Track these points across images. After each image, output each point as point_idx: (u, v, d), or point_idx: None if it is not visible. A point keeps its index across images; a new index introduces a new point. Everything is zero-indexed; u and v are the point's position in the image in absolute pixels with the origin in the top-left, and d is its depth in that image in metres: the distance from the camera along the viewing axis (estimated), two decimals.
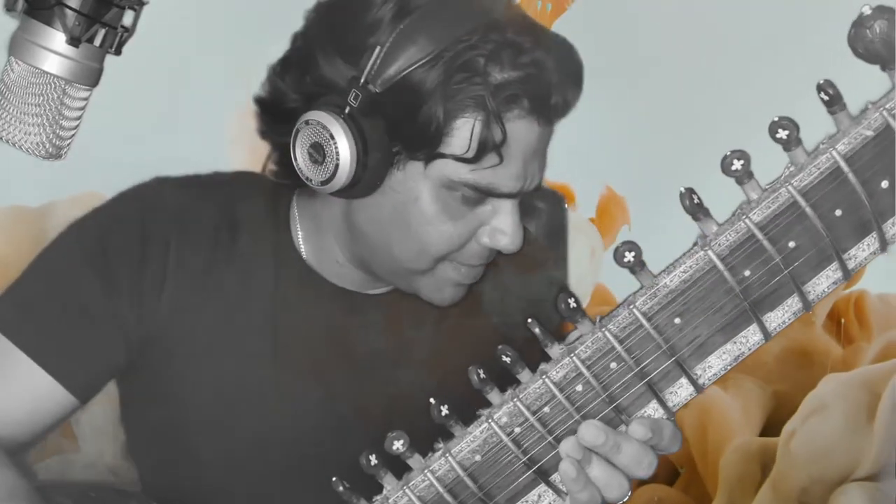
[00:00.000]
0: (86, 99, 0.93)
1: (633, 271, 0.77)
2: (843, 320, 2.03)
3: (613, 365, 0.78)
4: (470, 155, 0.96)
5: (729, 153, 0.75)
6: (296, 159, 0.98)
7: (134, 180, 1.11)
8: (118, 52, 0.93)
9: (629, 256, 0.77)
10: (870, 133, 0.74)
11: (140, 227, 1.04)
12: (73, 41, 0.88)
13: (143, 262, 1.03)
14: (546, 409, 0.79)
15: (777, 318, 0.78)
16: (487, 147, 0.96)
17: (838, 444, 1.80)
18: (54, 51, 0.89)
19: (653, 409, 0.80)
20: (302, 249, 1.08)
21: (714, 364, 0.79)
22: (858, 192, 0.75)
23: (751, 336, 0.78)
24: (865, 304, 2.03)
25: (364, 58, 0.95)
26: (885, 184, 0.76)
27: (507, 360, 0.78)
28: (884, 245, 0.77)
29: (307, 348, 1.06)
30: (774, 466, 1.84)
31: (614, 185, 1.97)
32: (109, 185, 1.13)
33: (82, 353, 1.03)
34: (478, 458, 0.79)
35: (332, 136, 0.95)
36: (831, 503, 1.80)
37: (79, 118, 0.93)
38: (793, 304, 0.78)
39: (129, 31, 0.93)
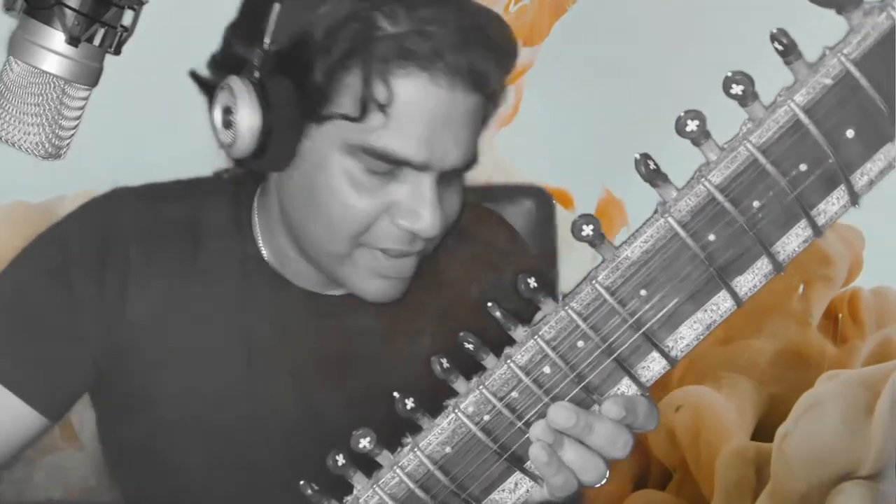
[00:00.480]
0: (85, 99, 0.92)
1: (592, 245, 0.74)
2: (840, 315, 1.98)
3: (581, 343, 0.75)
4: (355, 114, 0.91)
5: (682, 114, 0.71)
6: (213, 126, 0.95)
7: (135, 181, 1.10)
8: (118, 51, 0.92)
9: (587, 230, 0.73)
10: (828, 81, 0.70)
11: (100, 240, 1.02)
12: (73, 41, 0.87)
13: (104, 276, 1.01)
14: (514, 395, 0.76)
15: (747, 281, 0.75)
16: (370, 104, 0.91)
17: (836, 443, 1.76)
18: (54, 50, 0.88)
19: (626, 387, 0.77)
20: (263, 252, 1.05)
21: (686, 334, 0.76)
22: (821, 143, 0.71)
23: (721, 303, 0.75)
24: (859, 302, 1.98)
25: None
26: (850, 133, 0.72)
27: (470, 346, 0.75)
28: (854, 198, 0.73)
29: (276, 353, 1.03)
30: (771, 473, 1.80)
31: (613, 189, 1.93)
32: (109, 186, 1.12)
33: (48, 372, 1.01)
34: (448, 449, 0.77)
35: (236, 98, 0.92)
36: (829, 503, 1.77)
37: (78, 118, 0.93)
38: (763, 266, 0.74)
39: (129, 30, 0.92)
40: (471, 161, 0.99)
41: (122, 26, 0.91)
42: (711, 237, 0.73)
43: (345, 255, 0.98)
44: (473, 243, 1.10)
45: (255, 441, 1.03)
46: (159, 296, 1.02)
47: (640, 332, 0.74)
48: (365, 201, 0.95)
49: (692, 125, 0.71)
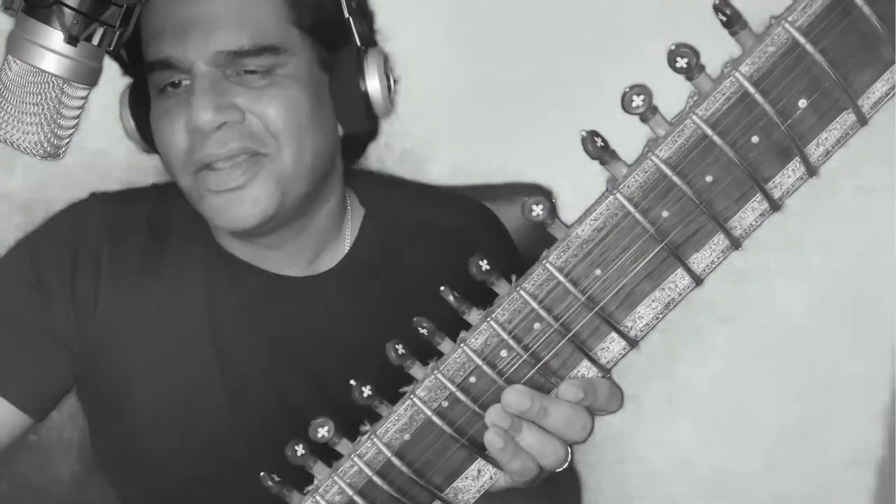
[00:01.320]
0: (84, 98, 0.92)
1: (545, 225, 0.73)
2: None
3: (536, 326, 0.74)
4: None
5: (627, 89, 0.71)
6: None
7: (135, 181, 1.12)
8: (116, 51, 0.92)
9: (537, 210, 0.72)
10: (773, 49, 0.69)
11: (70, 242, 1.05)
12: (72, 40, 0.87)
13: (75, 276, 1.04)
14: (472, 380, 0.75)
15: (704, 258, 0.73)
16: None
17: None
18: (52, 49, 0.88)
19: (586, 369, 0.75)
20: (222, 244, 1.06)
21: (644, 314, 0.74)
22: (770, 114, 0.70)
23: (679, 280, 0.74)
24: None
25: None
26: (802, 102, 0.71)
27: (424, 331, 0.75)
28: (810, 169, 0.72)
29: (244, 343, 1.04)
30: None
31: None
32: (109, 186, 1.14)
33: (28, 371, 1.03)
34: (406, 437, 0.76)
35: None
36: None
37: (77, 117, 0.93)
38: (719, 241, 0.73)
39: (128, 29, 0.92)
40: (251, 45, 0.98)
41: (121, 26, 0.90)
42: (664, 213, 0.72)
43: (194, 188, 1.00)
44: (456, 236, 1.10)
45: (231, 435, 1.03)
46: (130, 295, 1.04)
47: (594, 311, 0.73)
48: (166, 124, 0.99)
49: (637, 100, 0.70)
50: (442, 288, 0.74)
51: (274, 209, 1.00)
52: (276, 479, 0.77)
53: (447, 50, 1.49)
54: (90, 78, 0.91)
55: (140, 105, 1.03)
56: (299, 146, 1.00)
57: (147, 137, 1.03)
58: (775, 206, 0.73)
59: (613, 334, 0.75)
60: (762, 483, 1.66)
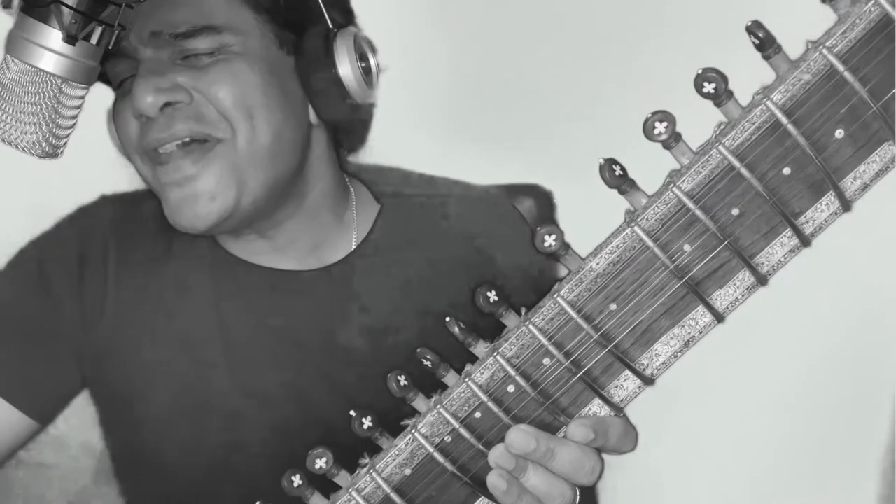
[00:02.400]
0: (82, 97, 0.90)
1: (556, 257, 0.69)
2: None
3: (546, 361, 0.70)
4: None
5: (650, 115, 0.66)
6: None
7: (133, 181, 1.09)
8: (115, 50, 0.90)
9: (549, 241, 0.68)
10: (808, 77, 0.64)
11: (77, 244, 1.03)
12: (70, 39, 0.85)
13: (82, 278, 1.02)
14: (477, 415, 0.71)
15: (728, 295, 0.69)
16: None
17: None
18: (50, 49, 0.86)
19: (598, 407, 0.71)
20: (219, 240, 1.04)
21: (662, 351, 0.70)
22: (803, 145, 0.65)
23: (699, 318, 0.69)
24: None
25: None
26: (839, 133, 0.66)
27: (428, 363, 0.71)
28: (845, 204, 0.67)
29: (250, 341, 1.01)
30: None
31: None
32: (109, 185, 1.12)
33: (34, 375, 1.01)
34: (407, 471, 0.72)
35: None
36: None
37: (75, 116, 0.91)
38: (744, 278, 0.68)
39: (126, 28, 0.90)
40: (188, 25, 0.95)
41: (119, 25, 0.89)
42: (686, 248, 0.68)
43: (154, 181, 0.97)
44: (475, 230, 1.07)
45: (243, 436, 1.01)
46: (137, 297, 1.02)
47: (607, 349, 0.69)
48: (119, 117, 0.97)
49: (660, 127, 0.66)
50: (448, 319, 0.70)
51: (232, 202, 0.94)
52: None
53: (446, 52, 1.45)
54: (88, 77, 0.89)
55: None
56: (253, 126, 0.94)
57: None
58: (806, 241, 0.68)
59: (627, 372, 0.70)
60: None
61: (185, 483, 1.04)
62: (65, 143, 0.92)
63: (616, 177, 0.67)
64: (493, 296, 0.70)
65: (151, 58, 0.95)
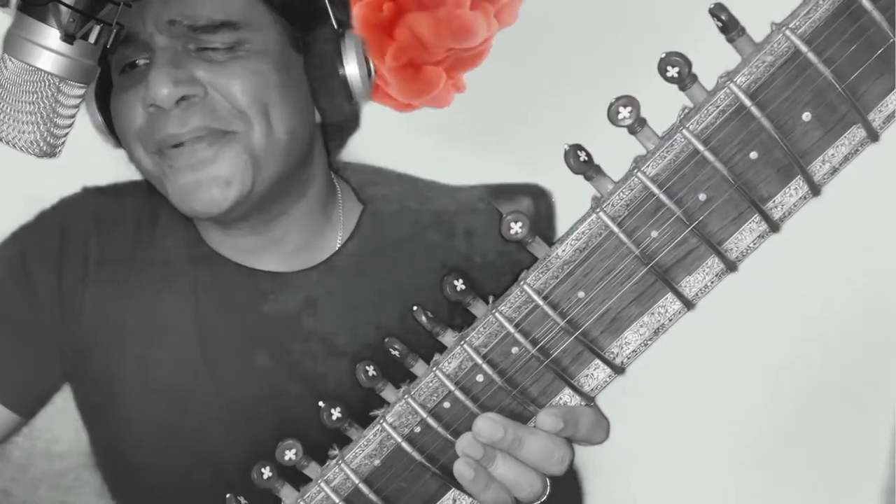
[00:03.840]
0: (80, 96, 0.90)
1: (524, 244, 0.68)
2: None
3: (514, 350, 0.69)
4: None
5: (614, 100, 0.65)
6: None
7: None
8: (113, 49, 0.90)
9: (515, 228, 0.68)
10: (771, 58, 0.63)
11: (58, 237, 1.03)
12: (68, 38, 0.85)
13: (62, 271, 1.02)
14: (446, 405, 0.71)
15: (697, 282, 0.68)
16: None
17: None
18: (48, 48, 0.86)
19: (568, 396, 0.71)
20: (204, 238, 1.04)
21: (632, 340, 0.69)
22: (767, 128, 0.64)
23: (669, 305, 0.69)
24: None
25: None
26: (806, 116, 0.65)
27: (396, 353, 0.71)
28: (814, 188, 0.66)
29: (228, 339, 1.01)
30: None
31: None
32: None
33: (15, 369, 1.02)
34: (377, 462, 0.72)
35: None
36: None
37: (73, 116, 0.91)
38: (714, 264, 0.68)
39: (124, 28, 0.90)
40: (208, 19, 0.94)
41: (117, 24, 0.89)
42: (653, 234, 0.67)
43: (156, 168, 0.96)
44: (458, 229, 1.06)
45: (219, 436, 1.01)
46: (117, 290, 1.02)
47: (574, 336, 0.68)
48: (123, 103, 0.95)
49: (624, 112, 0.65)
50: (414, 308, 0.70)
51: (248, 188, 0.94)
52: (243, 501, 0.74)
53: None
54: (86, 76, 0.89)
55: (108, 99, 0.99)
56: (270, 123, 0.95)
57: (115, 132, 0.99)
58: (775, 227, 0.67)
59: (598, 361, 0.70)
60: None
61: (162, 474, 1.04)
62: (63, 143, 0.92)
63: (581, 163, 0.66)
64: (459, 284, 0.69)
65: (167, 47, 0.94)
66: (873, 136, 0.65)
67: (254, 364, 1.01)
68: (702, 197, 0.66)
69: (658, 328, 0.69)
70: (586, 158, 0.67)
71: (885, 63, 0.64)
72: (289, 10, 0.97)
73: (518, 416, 0.71)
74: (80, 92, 0.90)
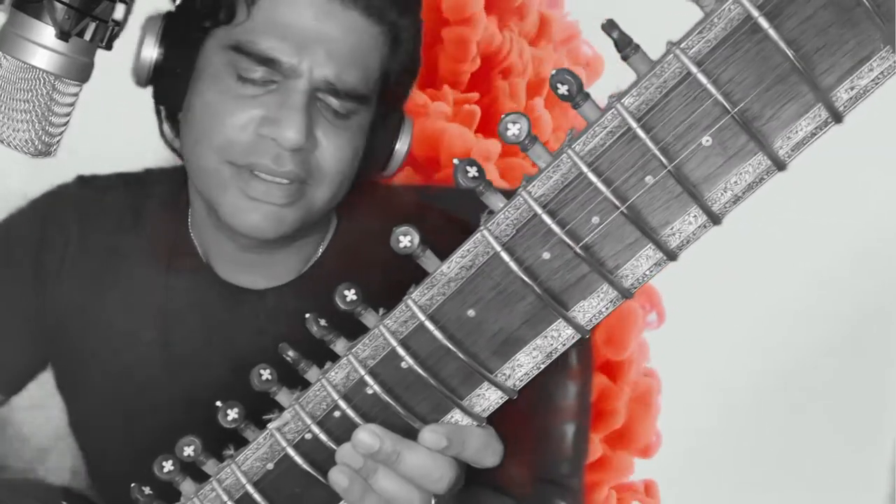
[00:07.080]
0: (76, 95, 0.91)
1: (414, 258, 0.67)
2: None
3: (403, 365, 0.68)
4: (226, 16, 0.91)
5: (504, 116, 0.63)
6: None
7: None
8: (109, 46, 0.91)
9: (405, 241, 0.66)
10: (661, 80, 0.60)
11: (41, 220, 1.06)
12: (63, 35, 0.86)
13: (41, 250, 1.05)
14: (336, 415, 0.70)
15: (591, 307, 0.65)
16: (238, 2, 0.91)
17: None
18: (43, 45, 0.87)
19: (460, 416, 0.69)
20: (194, 239, 1.05)
21: (524, 362, 0.67)
22: (657, 154, 0.61)
23: (562, 330, 0.66)
24: None
25: None
26: (706, 140, 0.61)
27: (290, 358, 0.70)
28: (713, 217, 0.62)
29: (191, 343, 1.02)
30: None
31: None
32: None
33: None
34: (270, 466, 0.72)
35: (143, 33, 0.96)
36: None
37: (68, 114, 0.92)
38: (608, 291, 0.65)
39: (121, 25, 0.91)
40: (352, 87, 0.94)
41: (113, 21, 0.90)
42: (545, 255, 0.64)
43: (214, 171, 0.95)
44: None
45: (174, 429, 1.02)
46: (94, 276, 1.04)
47: (461, 357, 0.66)
48: (231, 109, 0.93)
49: (513, 129, 0.63)
50: (307, 315, 0.69)
51: (294, 230, 0.98)
52: (147, 491, 0.75)
53: None
54: (82, 74, 0.89)
55: (173, 47, 0.97)
56: (337, 190, 0.98)
57: (154, 75, 0.97)
58: (671, 255, 0.63)
59: (487, 382, 0.68)
60: None
61: (128, 461, 1.06)
62: (58, 142, 0.92)
63: (470, 178, 0.64)
64: (350, 294, 0.68)
65: (307, 93, 0.92)
66: (780, 164, 0.61)
67: (212, 370, 1.02)
68: (595, 220, 0.63)
69: (551, 352, 0.67)
70: (476, 174, 0.65)
71: (791, 87, 0.59)
72: (390, 90, 1.00)
73: (409, 434, 0.69)
74: (76, 90, 0.90)
